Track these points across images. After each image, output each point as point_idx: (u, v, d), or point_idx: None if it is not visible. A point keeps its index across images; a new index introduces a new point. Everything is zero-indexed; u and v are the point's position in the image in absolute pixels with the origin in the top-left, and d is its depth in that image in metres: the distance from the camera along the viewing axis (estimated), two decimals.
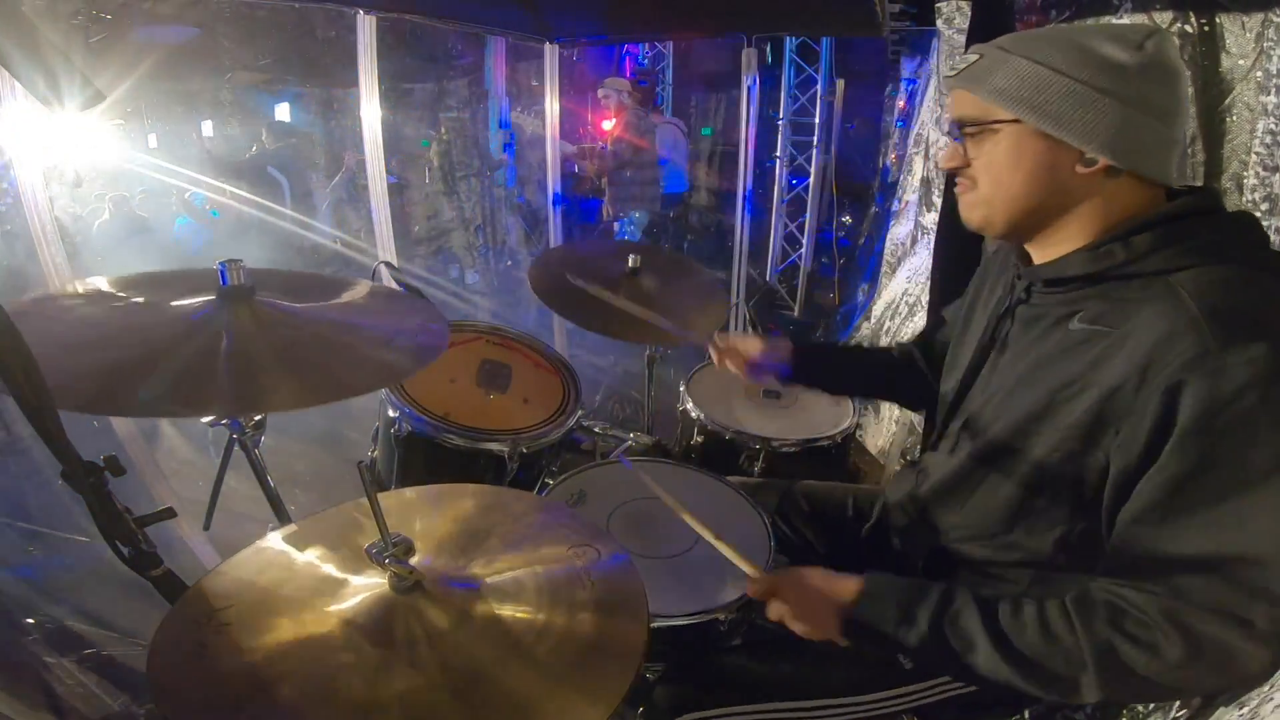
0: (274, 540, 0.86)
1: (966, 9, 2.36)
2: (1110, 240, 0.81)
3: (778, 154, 5.13)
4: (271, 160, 4.90)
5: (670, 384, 1.95)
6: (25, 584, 1.84)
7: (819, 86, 4.91)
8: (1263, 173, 1.35)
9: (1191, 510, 0.69)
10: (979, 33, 1.94)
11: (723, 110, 6.80)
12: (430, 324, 1.10)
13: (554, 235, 3.79)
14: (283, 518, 1.26)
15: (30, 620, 1.66)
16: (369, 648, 0.71)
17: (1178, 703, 0.88)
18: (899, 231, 3.37)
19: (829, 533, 1.32)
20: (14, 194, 1.70)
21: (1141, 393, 0.72)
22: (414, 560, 0.79)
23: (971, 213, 0.90)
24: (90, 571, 1.87)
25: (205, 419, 1.17)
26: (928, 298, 2.53)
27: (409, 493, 0.97)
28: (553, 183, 3.65)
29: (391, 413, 1.46)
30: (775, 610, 0.92)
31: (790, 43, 4.96)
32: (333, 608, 0.75)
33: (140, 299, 1.00)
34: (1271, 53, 1.33)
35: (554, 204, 3.72)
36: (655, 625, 1.04)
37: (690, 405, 1.74)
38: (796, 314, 5.23)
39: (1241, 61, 1.40)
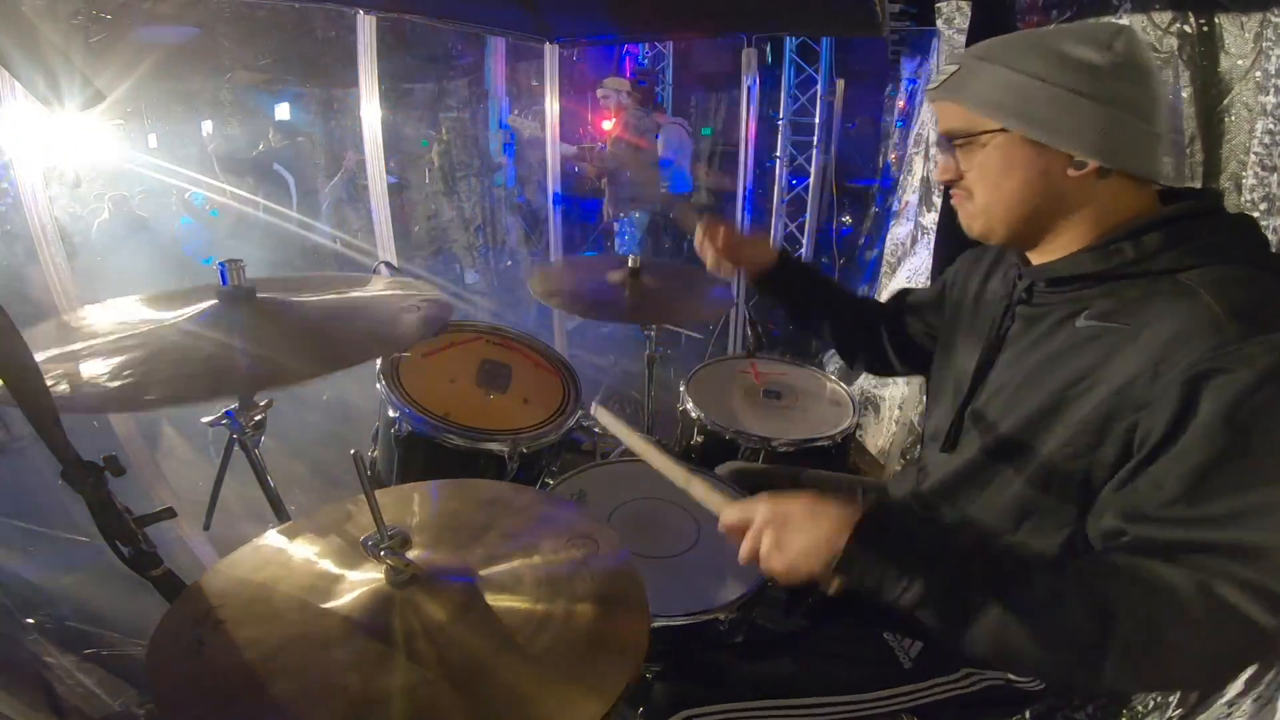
0: (271, 538, 0.86)
1: (966, 9, 2.37)
2: (1119, 239, 0.81)
3: (778, 154, 5.12)
4: (277, 158, 4.91)
5: (670, 384, 1.95)
6: (25, 584, 1.83)
7: (819, 86, 4.91)
8: (1261, 172, 1.35)
9: (1217, 497, 0.69)
10: (979, 33, 1.94)
11: (723, 110, 6.79)
12: (433, 299, 1.13)
13: (554, 235, 3.79)
14: (282, 518, 1.26)
15: (30, 620, 1.66)
16: (367, 642, 0.71)
17: (1175, 701, 0.89)
18: (899, 231, 3.37)
19: None
20: (14, 194, 1.70)
21: (1158, 384, 0.72)
22: (411, 554, 0.79)
23: (972, 223, 0.91)
24: (90, 571, 1.87)
25: (206, 419, 1.17)
26: None
27: (407, 487, 0.98)
28: (553, 183, 3.66)
29: (391, 413, 1.46)
30: (749, 546, 0.80)
31: (790, 43, 4.96)
32: (330, 603, 0.76)
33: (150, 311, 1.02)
34: (1270, 53, 1.33)
35: (554, 204, 3.72)
36: (655, 625, 1.04)
37: (690, 405, 1.74)
38: None
39: (1240, 62, 1.40)
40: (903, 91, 4.66)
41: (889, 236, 3.54)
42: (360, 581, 0.78)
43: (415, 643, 0.71)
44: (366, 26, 2.40)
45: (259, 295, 1.02)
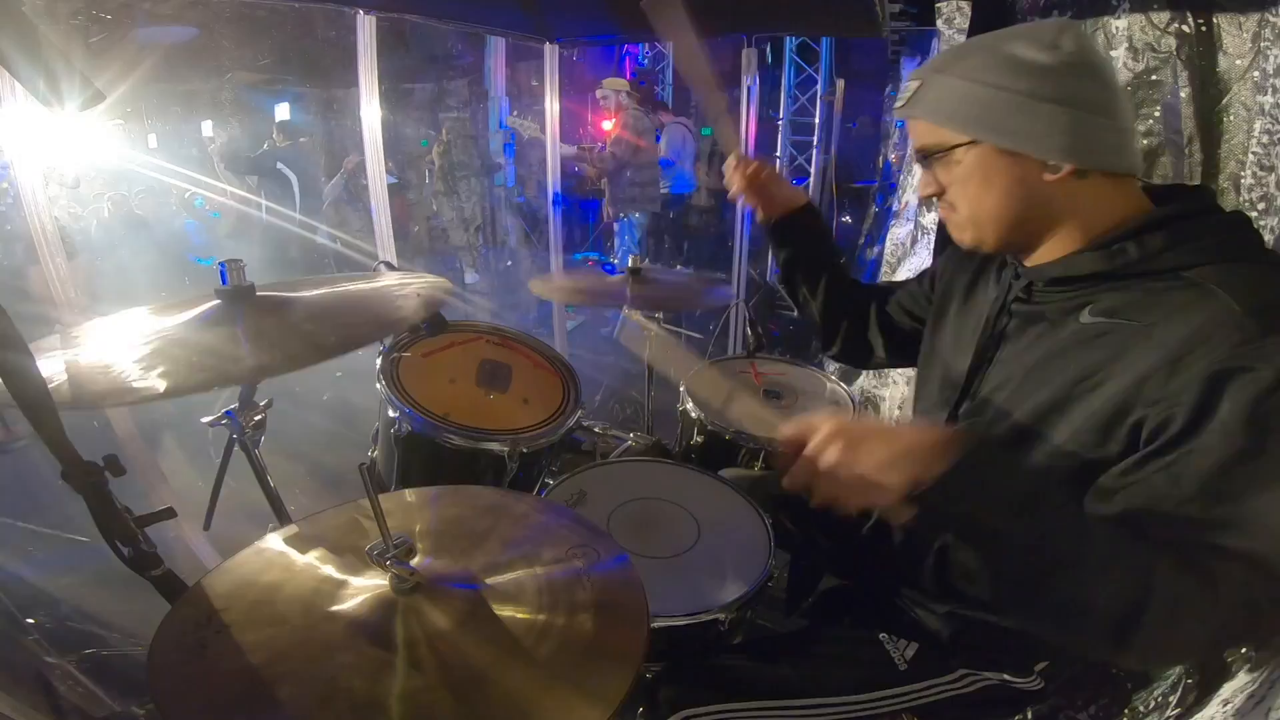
0: (274, 540, 0.86)
1: (966, 9, 2.37)
2: (1121, 239, 0.81)
3: (778, 154, 5.13)
4: (281, 157, 4.93)
5: (670, 384, 1.95)
6: (25, 584, 1.84)
7: (819, 86, 4.92)
8: (1260, 172, 1.35)
9: (1235, 497, 0.69)
10: (979, 33, 1.94)
11: None
12: (431, 283, 1.16)
13: (554, 235, 3.80)
14: (283, 518, 1.26)
15: (30, 620, 1.66)
16: (369, 648, 0.71)
17: (1173, 700, 0.89)
18: (899, 231, 3.37)
19: (832, 528, 1.32)
20: (14, 194, 1.70)
21: (1175, 380, 0.71)
22: (414, 561, 0.79)
23: (962, 234, 0.91)
24: (90, 571, 1.87)
25: (206, 419, 1.17)
26: None
27: (409, 494, 0.98)
28: (552, 183, 3.66)
29: (391, 413, 1.46)
30: (808, 461, 0.73)
31: (790, 43, 4.97)
32: (333, 608, 0.76)
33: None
34: (1268, 53, 1.33)
35: (554, 204, 3.73)
36: (655, 625, 1.04)
37: (690, 405, 1.74)
38: (797, 314, 5.21)
39: (1239, 61, 1.40)
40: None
41: (889, 236, 3.53)
42: (364, 587, 0.78)
43: (417, 649, 0.71)
44: (366, 26, 2.40)
45: (259, 294, 1.03)
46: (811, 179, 5.11)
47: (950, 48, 0.85)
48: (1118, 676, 1.28)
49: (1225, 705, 0.74)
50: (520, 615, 0.75)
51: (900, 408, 2.86)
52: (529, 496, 1.01)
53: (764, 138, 4.84)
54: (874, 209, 5.21)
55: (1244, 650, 0.98)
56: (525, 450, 1.46)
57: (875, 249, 4.29)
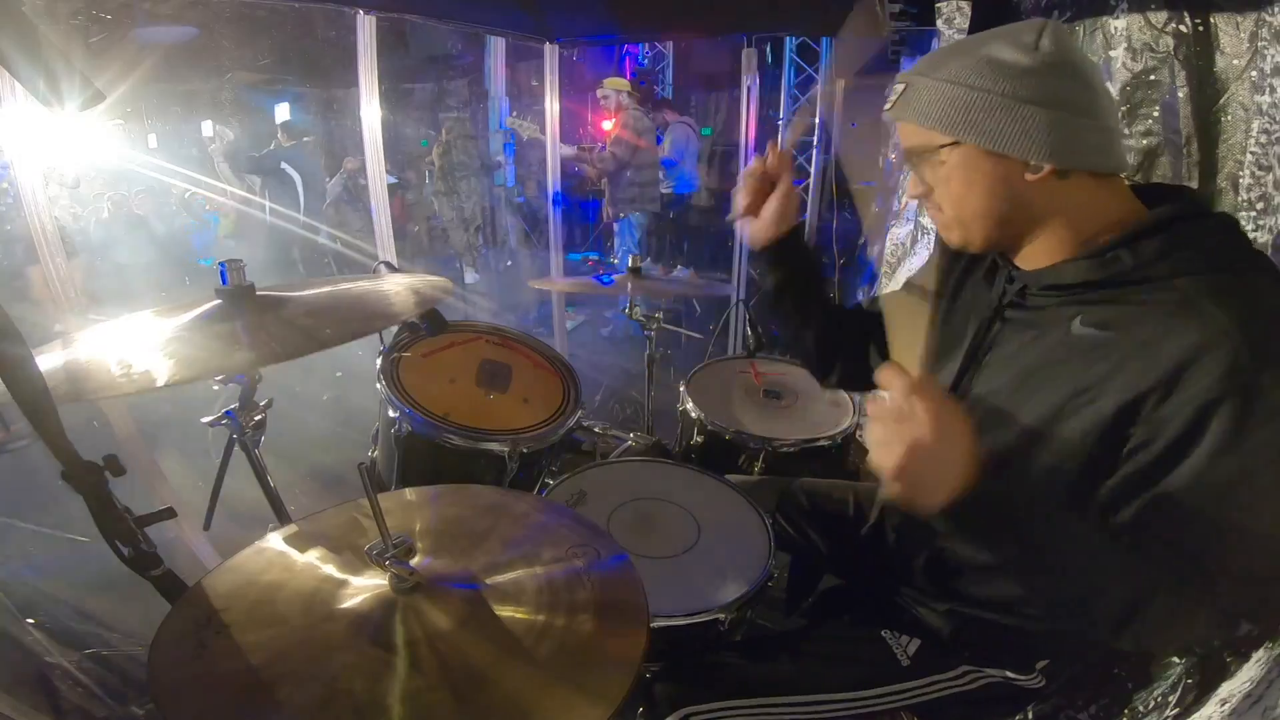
0: (274, 540, 0.86)
1: (966, 9, 2.37)
2: (1115, 246, 0.80)
3: None
4: (285, 157, 4.93)
5: (670, 384, 1.95)
6: (26, 584, 1.84)
7: (819, 86, 4.92)
8: (1258, 172, 1.35)
9: (1233, 503, 0.71)
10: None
11: (723, 110, 6.80)
12: (429, 279, 1.17)
13: (554, 235, 3.80)
14: (283, 518, 1.26)
15: (31, 620, 1.66)
16: (369, 648, 0.71)
17: (1173, 700, 0.89)
18: (899, 232, 3.37)
19: (829, 531, 1.32)
20: (14, 194, 1.70)
21: (1168, 405, 0.72)
22: (414, 561, 0.79)
23: (949, 234, 0.92)
24: (91, 572, 1.87)
25: (206, 419, 1.18)
26: None
27: (409, 493, 0.98)
28: (553, 183, 3.66)
29: (392, 413, 1.47)
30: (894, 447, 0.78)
31: (790, 43, 4.96)
32: (333, 608, 0.76)
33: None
34: (1265, 52, 1.33)
35: (554, 204, 3.73)
36: (655, 625, 1.04)
37: (690, 405, 1.74)
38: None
39: (1236, 61, 1.40)
40: None
41: (889, 237, 3.53)
42: (364, 587, 0.78)
43: (418, 649, 0.71)
44: (366, 26, 2.40)
45: (259, 293, 1.03)
46: (811, 179, 5.11)
47: (935, 50, 0.86)
48: (1118, 676, 1.28)
49: (1223, 705, 0.74)
50: (520, 615, 0.76)
51: None
52: (529, 496, 1.01)
53: (764, 138, 4.83)
54: (874, 209, 5.21)
55: (1243, 650, 0.98)
56: (525, 450, 1.47)
57: (875, 249, 4.29)
